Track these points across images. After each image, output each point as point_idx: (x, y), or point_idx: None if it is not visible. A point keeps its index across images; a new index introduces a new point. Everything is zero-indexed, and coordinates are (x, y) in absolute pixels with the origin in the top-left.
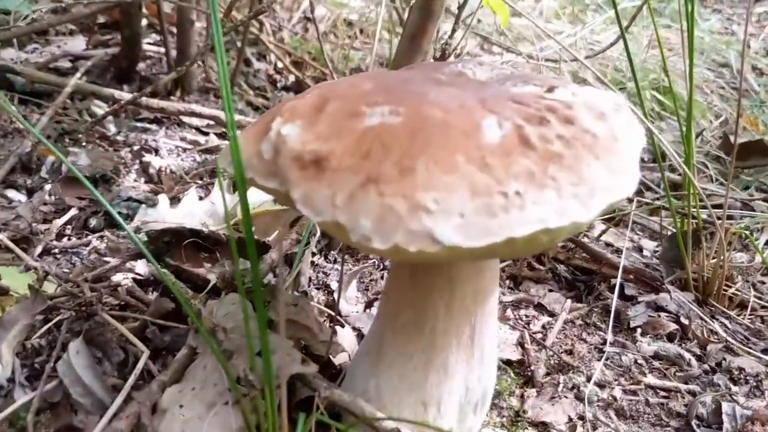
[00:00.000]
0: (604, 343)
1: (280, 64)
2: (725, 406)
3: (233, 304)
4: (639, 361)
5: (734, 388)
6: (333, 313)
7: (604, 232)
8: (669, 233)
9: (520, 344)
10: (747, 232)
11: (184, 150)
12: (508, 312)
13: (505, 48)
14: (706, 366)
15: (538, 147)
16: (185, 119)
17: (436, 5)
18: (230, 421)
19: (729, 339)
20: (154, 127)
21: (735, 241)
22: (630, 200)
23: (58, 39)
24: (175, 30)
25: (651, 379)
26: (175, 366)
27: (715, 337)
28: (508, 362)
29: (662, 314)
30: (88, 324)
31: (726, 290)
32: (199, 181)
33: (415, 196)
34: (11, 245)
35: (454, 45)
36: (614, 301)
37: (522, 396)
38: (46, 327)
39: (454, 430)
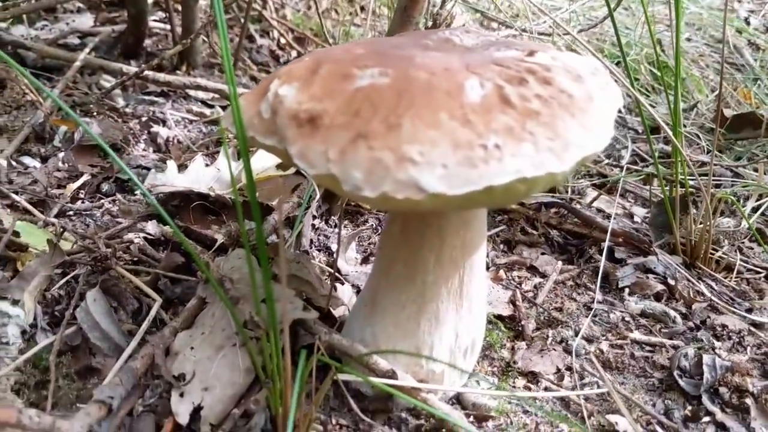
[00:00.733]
0: (593, 301)
1: (282, 41)
2: (706, 358)
3: (239, 258)
4: (626, 319)
5: (717, 344)
6: (333, 271)
7: (595, 198)
8: (658, 200)
9: (512, 302)
10: (733, 198)
11: (191, 121)
12: (501, 273)
13: (501, 23)
14: (690, 323)
15: (517, 105)
16: (191, 92)
17: None
18: (237, 362)
19: (714, 299)
20: (161, 100)
21: (722, 207)
22: (621, 168)
23: (66, 16)
24: (180, 7)
25: (637, 335)
26: (186, 314)
27: (701, 297)
28: (499, 317)
29: (650, 276)
30: (103, 277)
31: (713, 254)
32: (206, 150)
33: (401, 149)
34: (29, 207)
35: (444, 15)
36: (603, 262)
37: (512, 348)
38: (64, 280)
39: (445, 373)
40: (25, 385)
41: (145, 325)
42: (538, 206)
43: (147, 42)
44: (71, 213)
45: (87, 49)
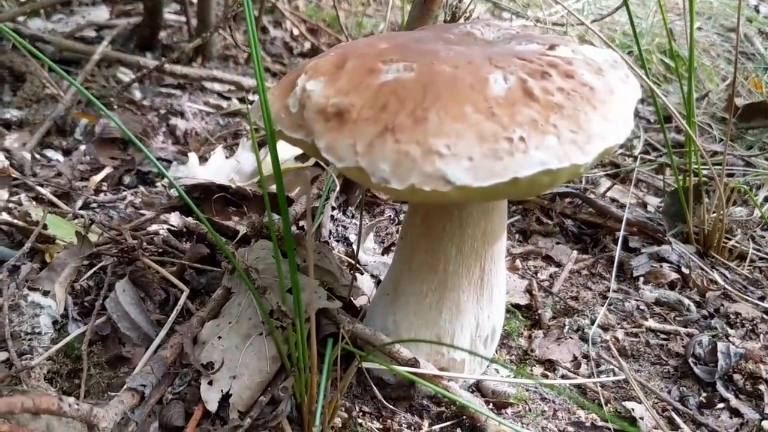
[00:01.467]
0: (608, 290)
1: (296, 32)
2: (720, 346)
3: (263, 249)
4: (641, 307)
5: (731, 331)
6: (353, 262)
7: (609, 188)
8: (672, 189)
9: (529, 291)
10: (746, 187)
11: (208, 114)
12: (518, 263)
13: (514, 13)
14: (704, 311)
15: (541, 98)
16: (207, 85)
17: None
18: (264, 350)
19: (727, 287)
20: (177, 92)
21: (734, 197)
22: (635, 158)
23: (81, 9)
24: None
25: (652, 323)
26: (212, 304)
27: (714, 285)
28: (516, 306)
29: (664, 264)
30: (130, 267)
31: (726, 242)
32: (224, 143)
33: (428, 142)
34: (54, 199)
35: (463, 9)
36: (618, 251)
37: (530, 337)
38: (92, 271)
39: (466, 362)
40: (58, 374)
41: (173, 315)
42: (553, 196)
43: (162, 34)
44: (95, 205)
45: (105, 42)
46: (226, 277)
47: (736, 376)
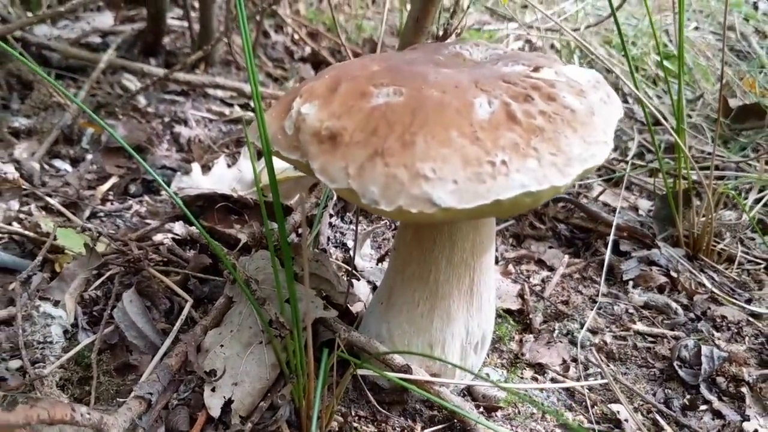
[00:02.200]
0: (598, 294)
1: (296, 36)
2: (704, 349)
3: (263, 259)
4: (630, 311)
5: (716, 334)
6: (349, 268)
7: (601, 192)
8: (662, 193)
9: (520, 296)
10: (733, 192)
11: (211, 120)
12: (510, 267)
13: (508, 18)
14: (691, 314)
15: (523, 122)
16: (209, 91)
17: None
18: (264, 358)
19: (715, 290)
20: (181, 99)
21: (723, 200)
22: (626, 162)
23: (86, 15)
24: (197, 5)
25: (640, 326)
26: (215, 313)
27: (702, 288)
28: (508, 311)
29: (653, 268)
30: (136, 278)
31: (714, 246)
32: (226, 150)
33: (415, 166)
34: (63, 209)
35: (455, 25)
36: (607, 256)
37: (521, 341)
38: (100, 281)
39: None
40: (69, 381)
41: (177, 325)
42: (546, 201)
43: (165, 39)
44: (102, 215)
45: (110, 51)
46: (228, 287)
47: (720, 379)
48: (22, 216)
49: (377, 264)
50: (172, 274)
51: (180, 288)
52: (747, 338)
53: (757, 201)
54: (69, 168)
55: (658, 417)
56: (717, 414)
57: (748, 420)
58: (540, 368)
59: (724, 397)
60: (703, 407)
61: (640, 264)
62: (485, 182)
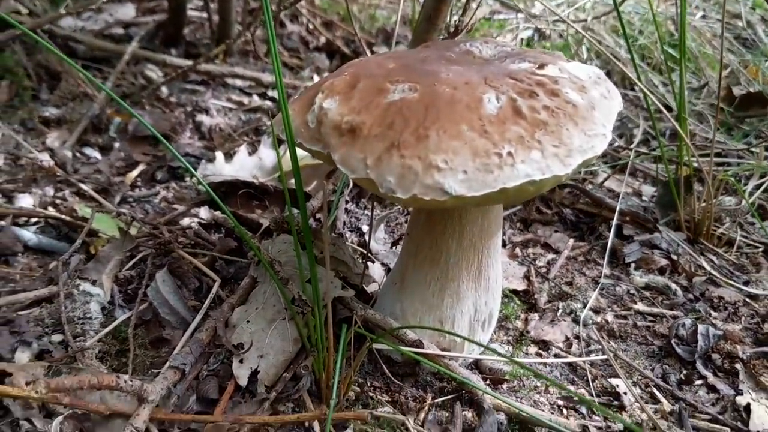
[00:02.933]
0: (601, 276)
1: (311, 26)
2: (701, 328)
3: (285, 242)
4: (631, 291)
5: (714, 314)
6: (365, 251)
7: (606, 179)
8: (664, 180)
9: (526, 277)
10: (732, 179)
11: (231, 110)
12: (517, 250)
13: (517, 10)
14: (690, 295)
15: (528, 116)
16: (229, 81)
17: None
18: (287, 333)
19: (713, 272)
20: (201, 88)
21: (724, 187)
22: (630, 150)
23: (109, 7)
24: None
25: (640, 306)
26: (241, 291)
27: (702, 270)
28: (514, 291)
29: (655, 251)
30: (167, 259)
31: (715, 230)
32: (246, 138)
33: (429, 158)
34: (95, 195)
35: (465, 22)
36: (610, 239)
37: (526, 319)
38: (132, 261)
39: (465, 342)
40: (108, 354)
41: (207, 302)
42: (552, 188)
43: (185, 30)
44: (131, 200)
45: (134, 42)
46: (253, 268)
47: (715, 356)
48: (57, 201)
49: (391, 247)
50: (200, 256)
51: (208, 269)
52: (743, 318)
53: (758, 187)
54: (99, 156)
55: (655, 390)
56: (711, 388)
57: (741, 394)
58: (544, 345)
59: (719, 372)
60: (698, 382)
61: (642, 247)
62: (493, 172)
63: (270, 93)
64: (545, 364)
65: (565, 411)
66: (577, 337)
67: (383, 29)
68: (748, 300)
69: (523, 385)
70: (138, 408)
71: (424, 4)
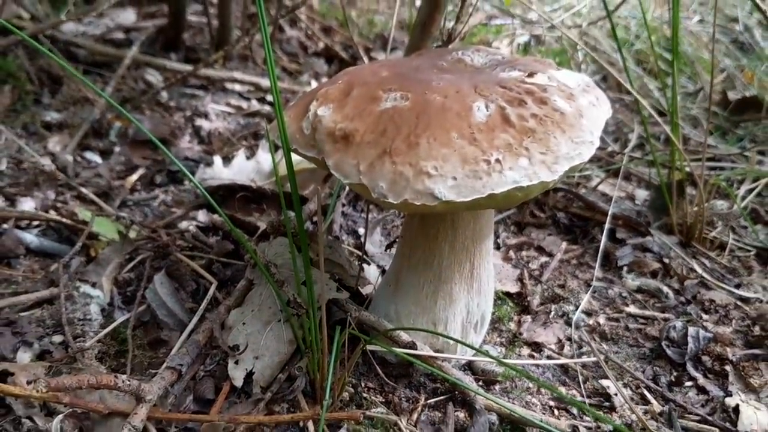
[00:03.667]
0: (594, 279)
1: (310, 31)
2: (691, 330)
3: (281, 245)
4: (623, 294)
5: (705, 317)
6: (360, 254)
7: (599, 183)
8: (657, 184)
9: (520, 279)
10: (724, 183)
11: (230, 114)
12: (511, 253)
13: (512, 16)
14: (682, 298)
15: (516, 124)
16: (228, 85)
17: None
18: (282, 335)
19: (705, 275)
20: (201, 93)
21: (716, 191)
22: (623, 154)
23: (110, 12)
24: (215, 1)
25: (632, 309)
26: (237, 294)
27: (693, 274)
28: (507, 294)
29: (647, 255)
30: (165, 262)
31: (707, 234)
32: (245, 143)
33: (419, 164)
34: (96, 199)
35: (459, 30)
36: (603, 242)
37: (519, 321)
38: (131, 264)
39: (458, 344)
40: (107, 354)
41: (204, 304)
42: (547, 191)
43: (185, 35)
44: (131, 203)
45: (135, 48)
46: (249, 270)
47: (705, 358)
48: (58, 205)
49: (386, 250)
50: (197, 259)
51: (205, 271)
52: (734, 321)
53: (750, 191)
54: (99, 160)
55: (645, 392)
56: (701, 390)
57: (731, 396)
58: (536, 346)
59: (709, 374)
60: (688, 383)
61: (635, 251)
62: (481, 178)
63: (269, 98)
64: (537, 366)
65: (556, 411)
66: (570, 339)
67: (381, 35)
68: (739, 303)
69: (516, 386)
70: (136, 407)
71: (419, 12)
